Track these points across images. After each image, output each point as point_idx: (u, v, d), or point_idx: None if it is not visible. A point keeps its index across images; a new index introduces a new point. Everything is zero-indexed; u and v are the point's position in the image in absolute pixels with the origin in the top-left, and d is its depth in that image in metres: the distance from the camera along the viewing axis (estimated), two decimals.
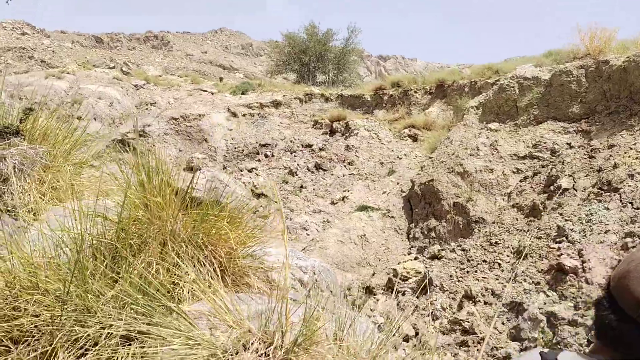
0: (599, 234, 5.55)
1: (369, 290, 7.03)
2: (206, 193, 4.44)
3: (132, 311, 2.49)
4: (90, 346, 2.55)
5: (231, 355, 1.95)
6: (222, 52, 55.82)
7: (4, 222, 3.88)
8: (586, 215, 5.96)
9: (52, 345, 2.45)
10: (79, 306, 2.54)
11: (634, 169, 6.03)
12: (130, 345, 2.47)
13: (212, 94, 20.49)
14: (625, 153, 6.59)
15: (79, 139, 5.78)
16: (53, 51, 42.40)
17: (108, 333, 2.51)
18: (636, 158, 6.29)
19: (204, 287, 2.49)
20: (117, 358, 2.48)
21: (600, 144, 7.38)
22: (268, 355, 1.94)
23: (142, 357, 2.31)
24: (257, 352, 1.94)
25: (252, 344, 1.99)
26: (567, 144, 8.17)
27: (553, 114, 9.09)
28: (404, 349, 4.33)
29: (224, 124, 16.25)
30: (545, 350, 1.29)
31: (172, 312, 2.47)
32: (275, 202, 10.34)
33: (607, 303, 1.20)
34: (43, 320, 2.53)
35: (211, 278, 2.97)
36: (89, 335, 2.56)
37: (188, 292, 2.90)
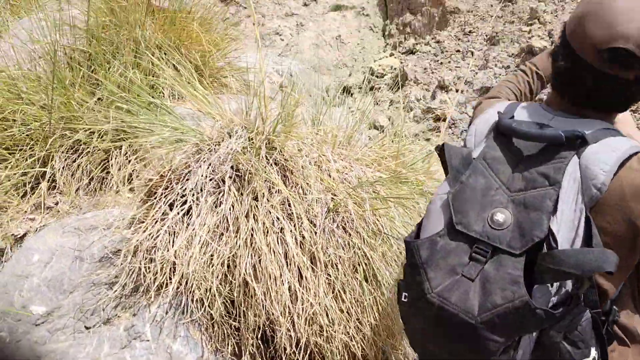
0: (569, 12, 5.55)
1: (347, 90, 7.17)
2: None
3: (117, 110, 2.60)
4: (82, 149, 2.72)
5: (217, 143, 2.11)
6: None
7: None
8: None
9: (48, 151, 2.61)
10: (65, 114, 2.64)
11: None
12: (120, 142, 2.63)
13: None
14: None
15: None
16: None
17: (99, 134, 2.66)
18: None
19: (184, 85, 2.57)
20: (110, 155, 2.66)
21: None
22: (252, 139, 2.10)
23: (134, 152, 2.48)
24: (241, 138, 2.10)
25: (235, 132, 2.13)
26: None
27: None
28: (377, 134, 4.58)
29: None
30: (505, 103, 1.33)
31: (158, 109, 2.59)
32: (245, 7, 9.90)
33: (562, 47, 1.19)
34: (33, 130, 2.65)
35: (189, 80, 3.03)
36: (79, 140, 2.71)
37: (169, 95, 2.99)
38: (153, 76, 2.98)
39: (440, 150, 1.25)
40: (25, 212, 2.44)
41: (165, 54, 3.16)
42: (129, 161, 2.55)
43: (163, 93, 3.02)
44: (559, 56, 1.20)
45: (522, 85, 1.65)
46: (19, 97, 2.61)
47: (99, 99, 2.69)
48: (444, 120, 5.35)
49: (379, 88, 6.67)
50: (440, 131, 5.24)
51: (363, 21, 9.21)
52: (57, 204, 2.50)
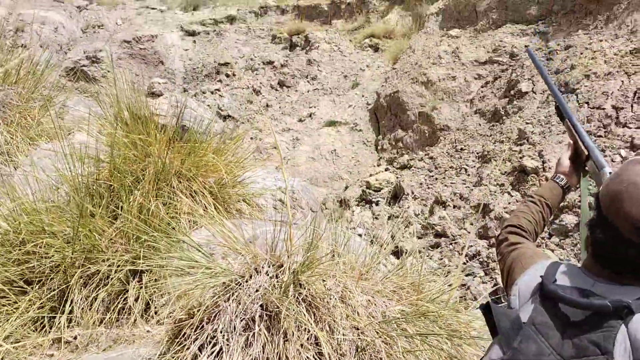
0: (557, 134, 5.88)
1: (345, 203, 7.34)
2: (172, 118, 4.48)
3: (139, 245, 2.65)
4: (101, 280, 2.73)
5: (245, 279, 2.15)
6: None
7: None
8: (545, 117, 6.27)
9: (67, 283, 2.62)
10: (86, 245, 2.69)
11: (590, 70, 6.29)
12: (141, 276, 2.66)
13: (162, 11, 19.57)
14: (581, 54, 6.82)
15: (40, 77, 5.63)
16: None
17: (118, 267, 2.69)
18: (592, 58, 6.54)
19: (200, 218, 2.65)
20: (131, 288, 2.67)
21: (557, 45, 7.58)
22: (278, 276, 2.15)
23: (153, 283, 2.50)
24: (268, 275, 2.14)
25: (262, 267, 2.18)
26: (526, 46, 8.34)
27: (511, 16, 9.17)
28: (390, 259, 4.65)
29: (179, 44, 15.72)
30: (544, 263, 1.39)
31: (178, 242, 2.64)
32: (243, 123, 10.37)
33: (600, 220, 1.28)
34: (54, 262, 2.68)
35: (205, 208, 3.12)
36: (98, 270, 2.73)
37: (188, 223, 3.06)
38: (172, 206, 3.07)
39: (485, 308, 1.30)
40: (44, 347, 2.40)
41: (185, 180, 3.28)
42: (148, 293, 2.57)
43: (179, 220, 3.09)
44: (597, 229, 1.29)
45: (537, 216, 1.74)
46: (42, 230, 2.66)
47: (119, 231, 2.74)
48: (445, 236, 5.48)
49: (377, 202, 6.85)
50: (441, 247, 5.35)
51: (356, 136, 9.62)
52: (75, 337, 2.46)
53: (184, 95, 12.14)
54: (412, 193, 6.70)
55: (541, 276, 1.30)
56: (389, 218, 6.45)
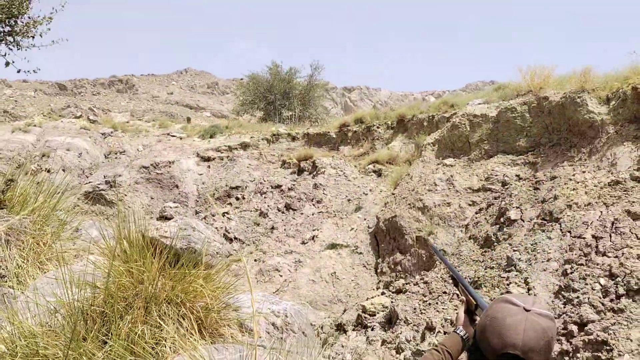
0: (542, 262, 6.10)
1: (341, 327, 7.41)
2: (180, 241, 4.83)
3: None
4: None
5: None
6: (188, 92, 56.04)
7: None
8: (532, 245, 6.53)
9: None
10: None
11: (572, 200, 6.64)
12: None
13: (181, 138, 20.85)
14: (565, 184, 7.22)
15: (57, 204, 6.10)
16: (16, 101, 41.97)
17: None
18: (574, 189, 6.92)
19: (183, 344, 2.88)
20: None
21: (544, 175, 8.03)
22: None
23: None
24: None
25: None
26: (517, 175, 8.82)
27: (502, 147, 9.78)
28: None
29: (194, 169, 16.59)
30: None
31: None
32: (248, 245, 10.69)
33: (473, 349, 1.65)
34: None
35: (191, 333, 3.36)
36: None
37: (170, 348, 3.28)
38: (159, 329, 3.30)
39: None
40: None
41: (173, 305, 3.54)
42: None
43: (165, 345, 3.31)
44: (471, 354, 1.65)
45: None
46: (37, 353, 2.90)
47: (106, 355, 2.97)
48: None
49: (372, 327, 6.91)
50: None
51: (357, 259, 9.87)
52: None
53: (193, 217, 12.66)
54: (405, 318, 6.79)
55: None
56: (382, 343, 6.50)
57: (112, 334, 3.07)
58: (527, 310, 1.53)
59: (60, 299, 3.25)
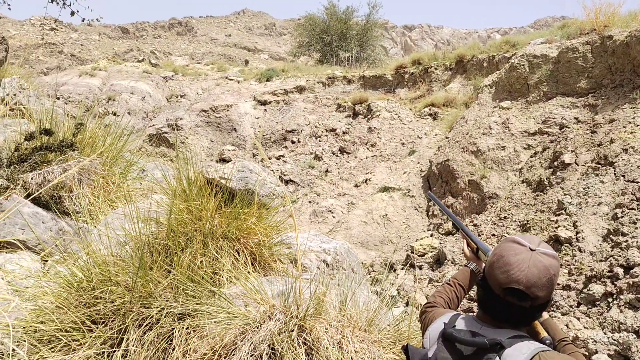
0: (593, 205, 6.02)
1: (391, 267, 7.69)
2: (237, 183, 5.15)
3: (184, 295, 3.22)
4: (153, 324, 3.30)
5: (259, 323, 2.65)
6: (245, 34, 55.90)
7: (68, 225, 4.68)
8: (583, 189, 6.43)
9: (125, 324, 3.20)
10: (143, 293, 3.28)
11: (628, 144, 6.44)
12: (184, 320, 3.20)
13: (238, 82, 21.19)
14: (623, 127, 6.98)
15: (123, 146, 6.52)
16: (81, 44, 43.25)
17: (167, 312, 3.25)
18: (631, 132, 6.69)
19: (237, 274, 3.19)
20: (175, 330, 3.22)
21: (603, 118, 7.76)
22: (287, 323, 2.64)
23: (194, 329, 3.04)
24: (279, 321, 2.63)
25: (274, 315, 2.68)
26: (575, 118, 8.55)
27: (562, 89, 9.44)
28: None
29: (251, 113, 16.95)
30: (449, 315, 1.87)
31: (215, 294, 3.19)
32: (303, 187, 11.03)
33: (482, 283, 1.77)
34: (116, 306, 3.28)
35: (244, 266, 3.68)
36: (151, 315, 3.31)
37: (226, 279, 3.62)
38: (217, 261, 3.64)
39: (405, 350, 1.77)
40: None
41: (229, 241, 3.87)
42: (190, 335, 3.10)
43: (222, 276, 3.65)
44: (480, 289, 1.78)
45: (451, 295, 2.25)
46: (109, 280, 3.29)
47: (170, 282, 3.33)
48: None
49: (421, 267, 7.13)
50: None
51: (409, 202, 10.00)
52: None
53: (251, 160, 13.08)
54: (453, 259, 6.96)
55: (444, 322, 1.75)
56: (429, 282, 6.73)
57: (174, 265, 3.42)
58: (532, 250, 1.66)
59: (129, 232, 3.62)
